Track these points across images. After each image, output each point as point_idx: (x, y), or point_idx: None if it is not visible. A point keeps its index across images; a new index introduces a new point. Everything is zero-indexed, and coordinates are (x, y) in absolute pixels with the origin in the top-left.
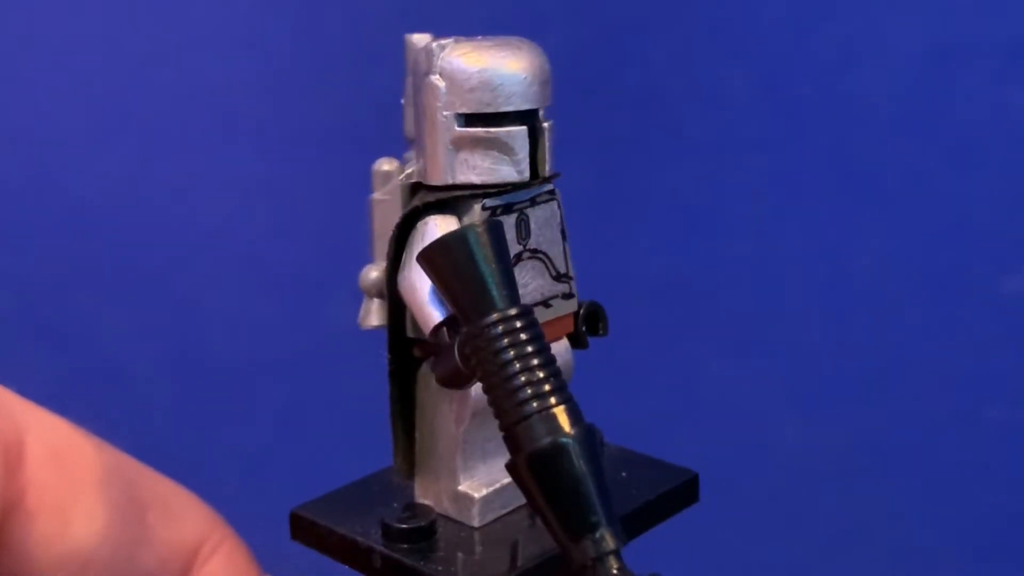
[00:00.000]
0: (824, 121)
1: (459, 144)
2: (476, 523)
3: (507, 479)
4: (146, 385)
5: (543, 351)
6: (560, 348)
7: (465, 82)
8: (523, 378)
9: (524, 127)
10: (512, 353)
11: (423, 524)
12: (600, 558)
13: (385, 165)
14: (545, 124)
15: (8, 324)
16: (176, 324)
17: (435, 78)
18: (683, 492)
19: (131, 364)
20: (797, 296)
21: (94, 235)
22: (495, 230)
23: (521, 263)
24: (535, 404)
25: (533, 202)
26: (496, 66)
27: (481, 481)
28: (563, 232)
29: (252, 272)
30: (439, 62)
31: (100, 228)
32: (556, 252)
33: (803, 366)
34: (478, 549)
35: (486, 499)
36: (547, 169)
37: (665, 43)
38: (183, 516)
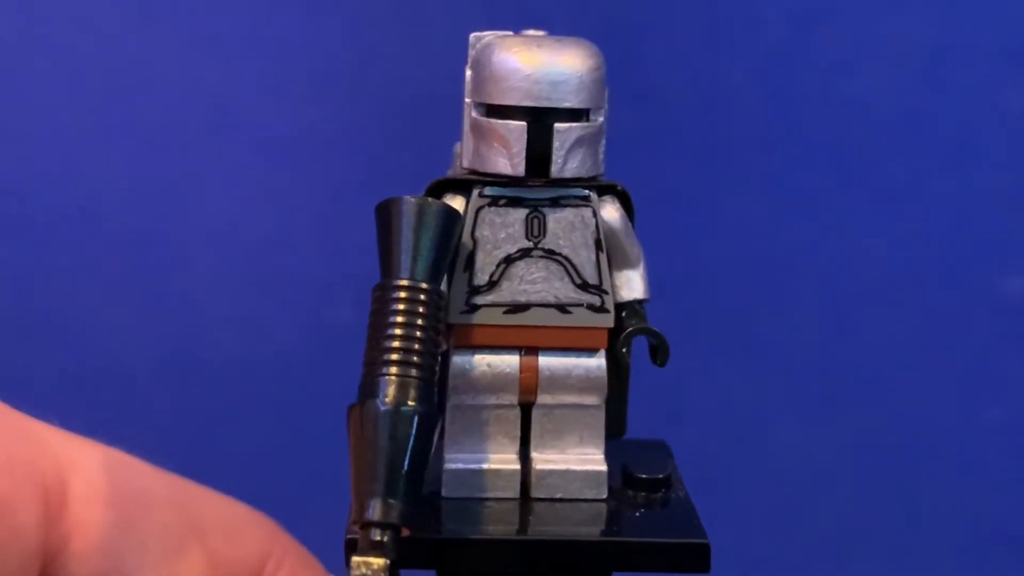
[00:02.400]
0: (823, 121)
1: (473, 132)
2: (443, 492)
3: (492, 464)
4: (145, 384)
5: (426, 329)
6: (591, 364)
7: (481, 73)
8: (396, 343)
9: (522, 123)
10: (397, 319)
11: None
12: (371, 524)
13: (459, 148)
14: (562, 126)
15: (8, 323)
16: (176, 323)
17: (467, 67)
18: (684, 552)
19: (130, 363)
20: (796, 296)
21: (94, 234)
22: (441, 212)
23: (529, 259)
24: (393, 369)
25: (555, 203)
26: (507, 60)
27: (461, 456)
28: (598, 243)
29: (252, 272)
30: (472, 52)
31: (100, 227)
32: (582, 260)
33: (802, 366)
34: (451, 515)
35: (456, 473)
36: (558, 171)
37: (664, 42)
38: (245, 535)
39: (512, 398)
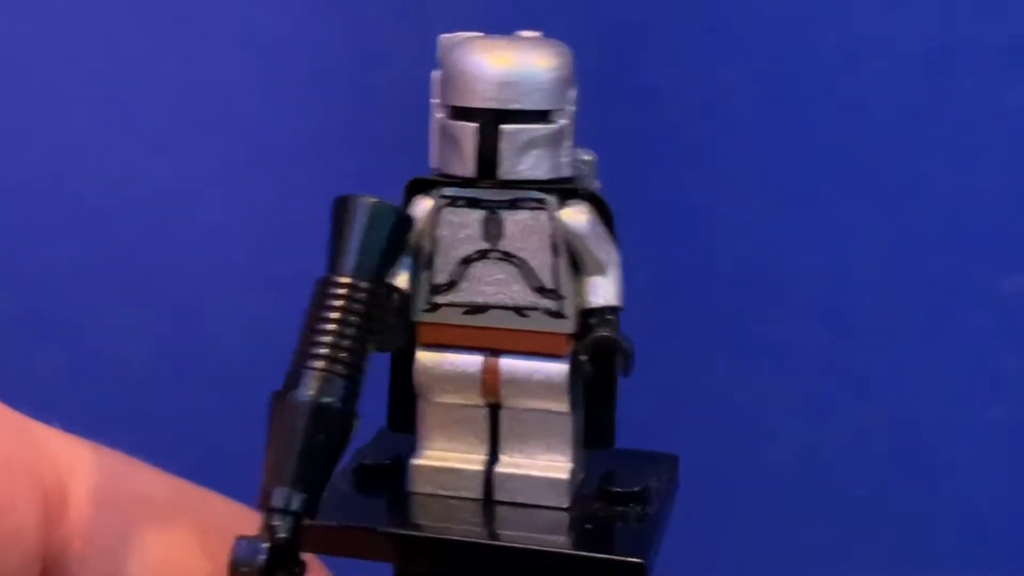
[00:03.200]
0: (824, 121)
1: (438, 133)
2: (410, 487)
3: (456, 463)
4: (145, 384)
5: (360, 328)
6: (553, 370)
7: (444, 73)
8: (326, 339)
9: (472, 124)
10: (332, 315)
11: (384, 462)
12: (273, 510)
13: None
14: (509, 127)
15: (8, 323)
16: (175, 323)
17: (436, 68)
18: (616, 569)
19: (130, 363)
20: (796, 295)
21: (94, 235)
22: (391, 214)
23: (487, 261)
24: (319, 363)
25: (512, 205)
26: (460, 61)
27: (428, 452)
28: (555, 247)
29: (252, 272)
30: (440, 53)
31: (100, 228)
32: (539, 264)
33: (801, 366)
34: (372, 501)
35: (420, 469)
36: (506, 173)
37: (664, 42)
38: None
39: (477, 398)
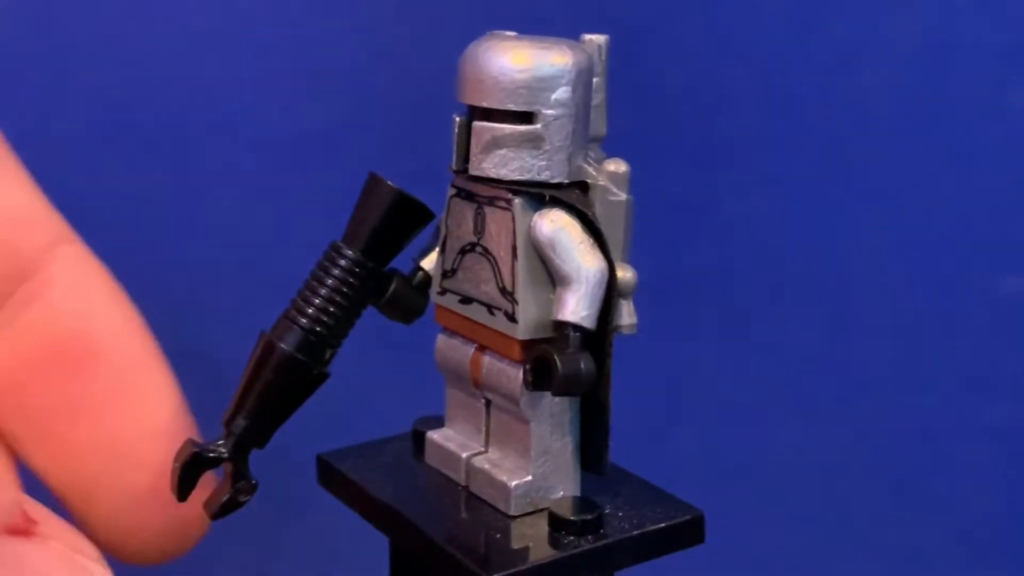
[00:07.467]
0: (824, 121)
1: None
2: (425, 458)
3: (451, 446)
4: None
5: (353, 300)
6: (511, 374)
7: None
8: (318, 301)
9: (457, 118)
10: (329, 282)
11: (417, 429)
12: (230, 432)
13: None
14: (479, 124)
15: None
16: (175, 323)
17: None
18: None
19: None
20: (796, 296)
21: (93, 235)
22: (411, 207)
23: (473, 254)
24: (303, 321)
25: (491, 202)
26: (463, 58)
27: (441, 429)
28: (514, 250)
29: (252, 272)
30: None
31: (100, 227)
32: (503, 264)
33: (802, 366)
34: (397, 474)
35: (432, 441)
36: (474, 168)
37: (664, 42)
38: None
39: (473, 389)
